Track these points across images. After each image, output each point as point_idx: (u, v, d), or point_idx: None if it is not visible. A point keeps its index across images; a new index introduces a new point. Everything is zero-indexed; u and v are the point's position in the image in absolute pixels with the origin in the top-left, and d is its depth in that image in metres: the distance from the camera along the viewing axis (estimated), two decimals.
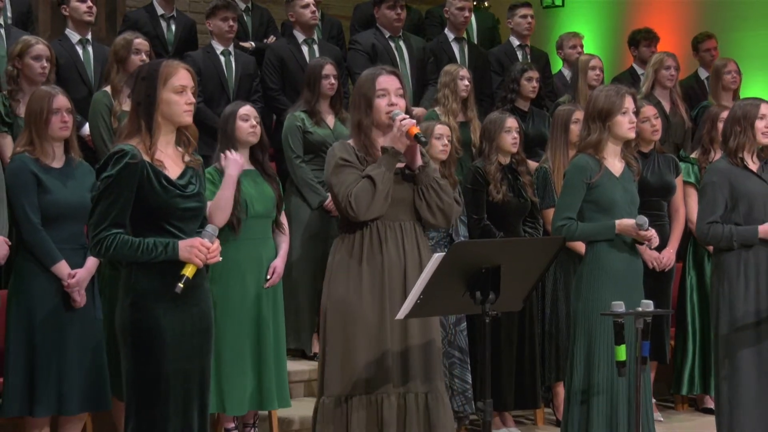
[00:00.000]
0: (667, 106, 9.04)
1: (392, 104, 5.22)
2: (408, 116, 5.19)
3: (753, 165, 6.38)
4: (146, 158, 4.63)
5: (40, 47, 6.79)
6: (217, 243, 4.71)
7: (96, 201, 4.62)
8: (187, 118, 4.75)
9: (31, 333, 5.99)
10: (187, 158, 4.80)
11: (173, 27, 9.23)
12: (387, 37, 9.31)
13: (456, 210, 5.40)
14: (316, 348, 7.99)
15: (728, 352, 6.31)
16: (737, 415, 6.30)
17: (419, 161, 5.25)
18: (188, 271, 4.65)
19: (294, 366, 7.72)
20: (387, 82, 5.24)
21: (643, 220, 5.80)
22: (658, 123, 7.70)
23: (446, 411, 5.32)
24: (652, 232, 5.86)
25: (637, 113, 5.99)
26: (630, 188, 6.01)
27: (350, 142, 5.32)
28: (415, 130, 5.15)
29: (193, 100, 4.75)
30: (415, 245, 5.27)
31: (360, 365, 5.17)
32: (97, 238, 4.59)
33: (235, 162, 6.45)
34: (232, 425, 6.86)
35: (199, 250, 4.62)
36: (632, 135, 5.96)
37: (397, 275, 5.16)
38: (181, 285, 4.63)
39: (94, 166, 6.22)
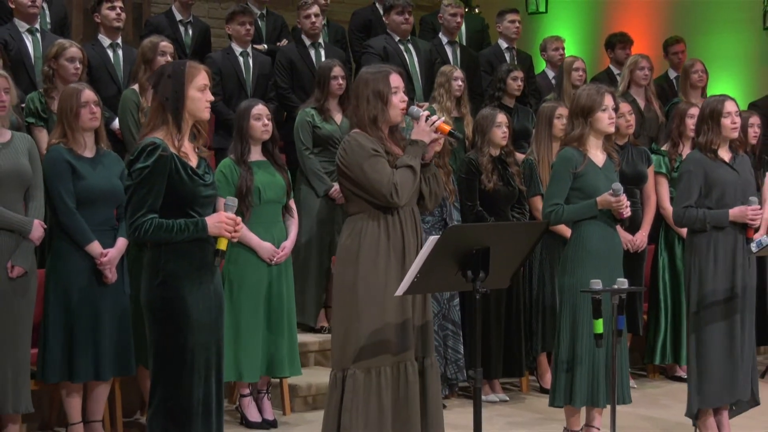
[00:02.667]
0: (642, 104, 9.04)
1: (403, 101, 5.20)
2: (429, 113, 5.19)
3: (726, 156, 6.37)
4: (173, 150, 4.63)
5: (74, 50, 6.79)
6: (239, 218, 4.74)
7: (133, 190, 4.60)
8: (207, 115, 4.76)
9: (67, 307, 6.01)
10: (198, 150, 4.81)
11: (190, 31, 9.24)
12: (397, 40, 9.30)
13: (442, 196, 5.44)
14: (322, 323, 8.04)
15: (698, 326, 6.32)
16: (706, 384, 6.31)
17: (432, 153, 5.26)
18: (222, 245, 4.68)
19: (303, 338, 7.71)
20: (397, 80, 5.20)
21: (618, 186, 5.82)
22: (632, 119, 7.70)
23: (436, 373, 5.37)
24: (624, 197, 5.85)
25: (616, 110, 5.98)
26: (612, 177, 6.00)
27: (362, 132, 5.19)
28: (447, 127, 5.16)
29: (212, 98, 4.75)
30: (417, 227, 5.27)
31: (390, 337, 5.14)
32: (136, 224, 4.58)
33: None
34: (247, 391, 6.87)
35: (226, 223, 4.65)
36: (612, 130, 5.95)
37: (414, 255, 5.11)
38: (219, 259, 4.70)
39: (122, 156, 6.28)
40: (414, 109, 5.20)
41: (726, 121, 6.31)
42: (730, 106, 6.34)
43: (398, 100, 5.17)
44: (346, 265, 5.21)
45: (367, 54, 9.24)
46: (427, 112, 5.18)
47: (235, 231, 4.69)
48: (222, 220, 4.65)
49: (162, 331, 4.67)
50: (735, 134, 6.33)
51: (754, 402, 6.50)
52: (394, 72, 5.22)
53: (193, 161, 4.73)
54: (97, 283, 6.05)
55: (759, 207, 6.23)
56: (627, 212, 5.90)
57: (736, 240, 6.29)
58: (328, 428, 5.22)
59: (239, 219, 4.72)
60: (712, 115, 6.34)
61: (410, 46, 9.33)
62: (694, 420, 6.44)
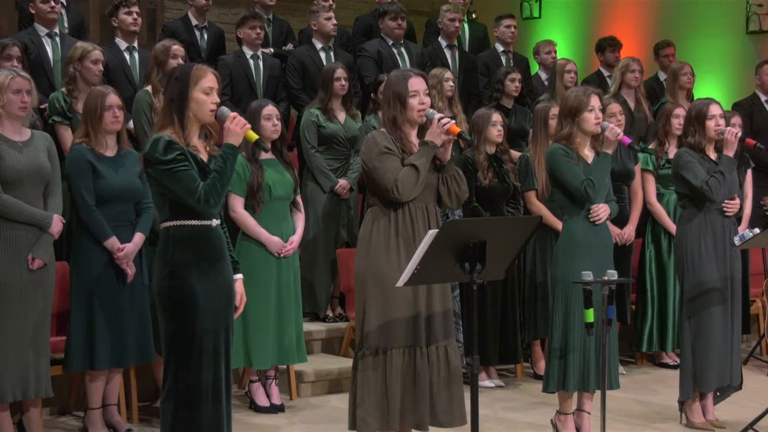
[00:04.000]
0: (632, 104, 9.05)
1: (422, 103, 5.23)
2: (443, 115, 5.22)
3: (712, 155, 6.41)
4: (182, 145, 4.65)
5: (97, 53, 6.79)
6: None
7: (176, 178, 4.59)
8: (211, 118, 4.73)
9: (89, 300, 6.03)
10: (208, 149, 4.81)
11: (205, 36, 9.25)
12: (390, 44, 9.33)
13: (465, 196, 5.46)
14: (328, 311, 8.06)
15: (693, 313, 6.34)
16: (704, 369, 6.33)
17: (449, 155, 5.29)
18: (252, 138, 4.75)
19: (309, 327, 7.73)
20: (417, 83, 5.24)
21: (606, 125, 5.86)
22: (622, 118, 7.69)
23: (458, 358, 5.41)
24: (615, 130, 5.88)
25: (603, 111, 5.98)
26: None
27: (383, 131, 5.31)
28: (457, 129, 5.18)
29: (217, 100, 4.74)
30: (435, 223, 5.28)
31: (396, 323, 5.21)
32: (197, 196, 4.59)
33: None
34: (256, 377, 6.89)
35: (235, 124, 4.67)
36: (598, 130, 5.92)
37: None
38: (263, 146, 4.93)
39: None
40: (429, 111, 5.24)
41: (710, 123, 6.36)
42: (714, 110, 6.39)
43: (417, 102, 5.22)
44: (359, 255, 5.34)
45: (361, 56, 9.31)
46: (439, 115, 5.22)
47: (245, 123, 4.71)
48: (231, 126, 4.66)
49: (172, 318, 4.68)
50: (719, 136, 6.36)
51: (739, 387, 6.52)
52: (414, 76, 5.28)
53: (204, 157, 4.75)
54: (116, 277, 6.07)
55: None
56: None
57: (724, 230, 6.33)
58: (350, 404, 5.37)
59: (236, 114, 4.73)
60: (698, 118, 6.40)
61: (403, 50, 9.38)
62: (680, 405, 6.46)
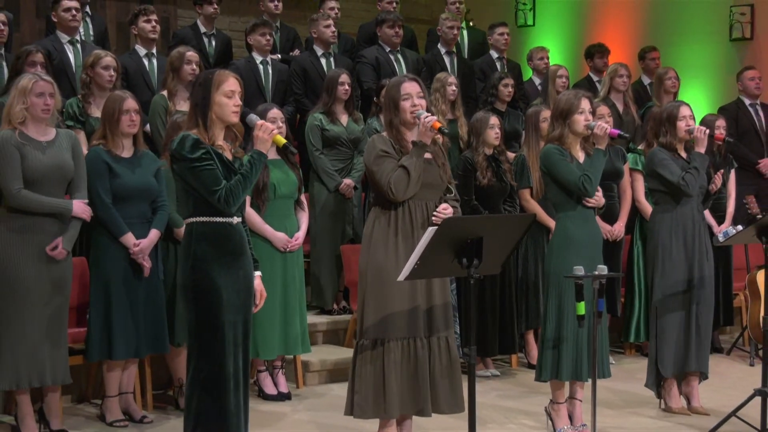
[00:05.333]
0: (620, 108, 9.05)
1: (414, 105, 5.26)
2: (430, 114, 5.25)
3: (683, 153, 6.45)
4: (207, 144, 4.69)
5: (108, 59, 6.80)
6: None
7: (200, 176, 4.62)
8: (235, 118, 4.78)
9: (107, 294, 6.05)
10: (233, 150, 4.84)
11: (213, 42, 9.27)
12: (387, 51, 9.34)
13: None
14: (333, 305, 8.06)
15: (658, 314, 6.44)
16: (660, 355, 6.44)
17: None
18: (280, 142, 4.84)
19: (314, 319, 7.74)
20: (410, 87, 5.27)
21: (592, 124, 5.85)
22: (611, 120, 7.69)
23: (455, 349, 5.44)
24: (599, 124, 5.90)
25: (593, 113, 5.98)
26: None
27: (385, 134, 5.36)
28: (438, 124, 5.21)
29: (240, 103, 4.78)
30: (431, 220, 5.28)
31: (394, 316, 5.23)
32: (217, 196, 4.63)
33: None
34: (263, 368, 6.89)
35: (263, 129, 4.74)
36: (587, 132, 5.93)
37: None
38: (290, 149, 5.16)
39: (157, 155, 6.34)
40: (419, 112, 5.27)
41: (681, 124, 6.44)
42: (684, 111, 6.46)
43: (408, 104, 5.25)
44: (362, 251, 5.36)
45: (360, 63, 9.32)
46: (425, 113, 5.24)
47: (272, 129, 4.77)
48: (259, 134, 4.73)
49: (195, 310, 4.71)
50: (688, 136, 6.40)
51: (705, 376, 6.61)
52: (408, 80, 5.32)
53: (229, 157, 4.78)
54: (133, 272, 6.07)
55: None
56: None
57: (695, 227, 6.38)
58: (348, 391, 5.39)
59: (263, 122, 4.80)
60: (669, 119, 6.47)
61: (399, 56, 9.39)
62: (657, 390, 6.55)
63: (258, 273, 4.93)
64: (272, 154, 6.77)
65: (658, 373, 6.48)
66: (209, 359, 4.69)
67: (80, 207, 5.80)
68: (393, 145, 5.27)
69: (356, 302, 6.41)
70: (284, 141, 4.88)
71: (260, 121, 4.81)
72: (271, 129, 4.77)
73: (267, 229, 6.67)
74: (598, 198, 5.95)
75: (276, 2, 9.58)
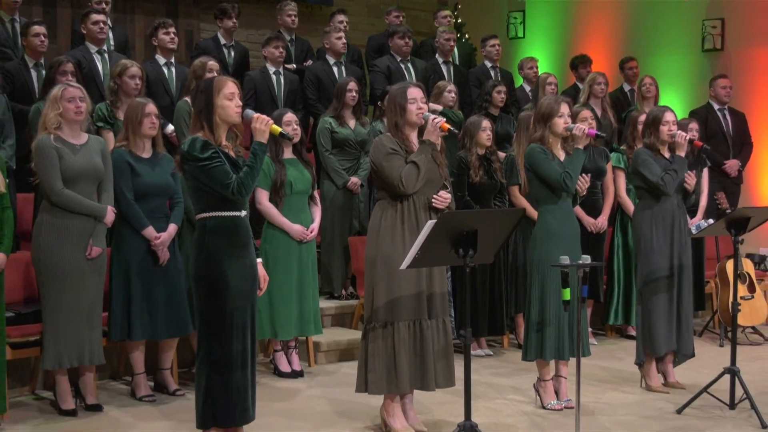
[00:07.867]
0: (599, 112, 9.01)
1: (420, 108, 5.27)
2: (436, 116, 5.28)
3: (666, 154, 6.42)
4: (215, 145, 4.68)
5: (135, 69, 6.79)
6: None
7: (212, 173, 4.60)
8: (238, 118, 4.76)
9: (127, 280, 6.06)
10: (234, 148, 4.82)
11: (232, 53, 9.26)
12: (398, 60, 9.33)
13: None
14: (342, 291, 8.07)
15: (643, 299, 6.39)
16: (651, 341, 6.37)
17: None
18: (276, 131, 4.79)
19: (324, 303, 7.74)
20: (415, 92, 5.29)
21: (572, 126, 5.86)
22: (594, 123, 7.67)
23: (450, 331, 5.47)
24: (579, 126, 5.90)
25: (574, 117, 5.99)
26: None
27: (389, 135, 5.35)
28: (447, 126, 5.24)
29: (240, 103, 4.76)
30: (436, 214, 5.28)
31: (402, 300, 5.23)
32: (231, 188, 4.61)
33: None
34: (279, 347, 6.90)
35: (260, 122, 4.70)
36: (567, 133, 5.93)
37: None
38: (287, 134, 5.07)
39: (174, 155, 6.32)
40: (426, 114, 5.29)
41: (664, 128, 6.40)
42: (668, 116, 6.42)
43: (414, 107, 5.27)
44: (370, 242, 5.35)
45: (373, 71, 9.33)
46: (433, 116, 5.26)
47: (268, 120, 4.73)
48: (257, 126, 4.70)
49: (207, 297, 4.69)
50: (671, 139, 6.38)
51: (692, 355, 6.53)
52: (412, 86, 5.34)
53: (232, 155, 4.76)
54: (152, 262, 6.08)
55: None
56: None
57: (674, 220, 6.34)
58: (360, 370, 5.38)
59: (258, 114, 4.76)
60: (654, 123, 6.43)
61: (409, 65, 9.39)
62: (640, 367, 6.52)
63: (259, 260, 4.90)
64: (288, 154, 6.78)
65: (646, 351, 6.43)
66: (219, 342, 4.68)
67: (111, 216, 5.84)
68: (398, 145, 5.28)
69: (362, 288, 6.42)
70: (280, 129, 4.85)
71: (256, 114, 4.78)
72: (266, 120, 4.74)
73: (285, 222, 6.67)
74: (584, 183, 6.04)
75: (293, 17, 9.60)
